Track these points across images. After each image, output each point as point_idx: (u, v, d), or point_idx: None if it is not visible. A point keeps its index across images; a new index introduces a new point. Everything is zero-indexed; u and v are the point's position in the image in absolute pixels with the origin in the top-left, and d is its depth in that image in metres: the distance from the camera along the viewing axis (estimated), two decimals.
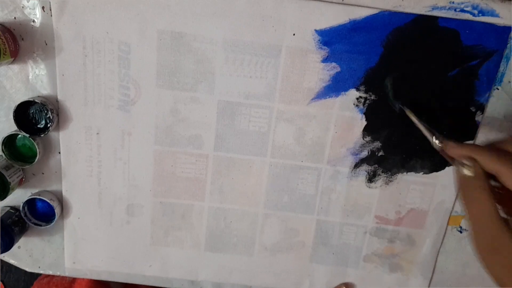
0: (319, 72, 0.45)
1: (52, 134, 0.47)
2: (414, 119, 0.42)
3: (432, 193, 0.50)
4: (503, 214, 0.34)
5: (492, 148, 0.35)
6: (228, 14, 0.43)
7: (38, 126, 0.46)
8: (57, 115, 0.46)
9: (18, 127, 0.45)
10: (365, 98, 0.46)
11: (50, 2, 0.43)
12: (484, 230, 0.34)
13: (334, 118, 0.47)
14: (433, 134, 0.39)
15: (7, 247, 0.48)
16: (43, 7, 0.43)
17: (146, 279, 0.55)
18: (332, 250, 0.53)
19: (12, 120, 0.44)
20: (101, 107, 0.46)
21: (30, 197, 0.48)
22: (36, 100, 0.44)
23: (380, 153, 0.48)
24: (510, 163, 0.33)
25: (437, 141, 0.38)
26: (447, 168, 0.49)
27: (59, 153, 0.48)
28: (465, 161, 0.35)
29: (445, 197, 0.50)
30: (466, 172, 0.35)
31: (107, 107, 0.46)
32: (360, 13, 0.43)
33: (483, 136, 0.47)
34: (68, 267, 0.54)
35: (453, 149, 0.37)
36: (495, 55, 0.44)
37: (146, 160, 0.49)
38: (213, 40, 0.44)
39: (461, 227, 0.51)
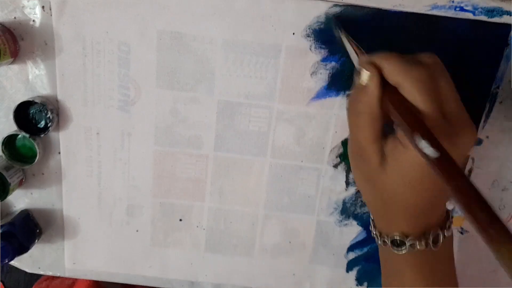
0: (319, 71, 0.45)
1: (52, 134, 0.47)
2: (346, 42, 0.39)
3: None
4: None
5: (404, 58, 0.33)
6: (228, 14, 0.43)
7: (38, 126, 0.46)
8: (57, 115, 0.46)
9: (18, 127, 0.45)
10: None
11: (50, 2, 0.43)
12: (360, 146, 0.35)
13: (334, 118, 0.47)
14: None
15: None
16: (43, 7, 0.43)
17: (146, 280, 0.55)
18: (332, 251, 0.52)
19: (12, 121, 0.44)
20: (101, 107, 0.46)
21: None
22: (36, 100, 0.44)
23: None
24: (414, 75, 0.31)
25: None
26: None
27: (59, 153, 0.48)
28: (367, 68, 0.33)
29: None
30: (364, 78, 0.33)
31: (107, 107, 0.46)
32: (360, 13, 0.43)
33: (483, 136, 0.47)
34: (68, 268, 0.54)
35: (362, 57, 0.35)
36: (495, 54, 0.44)
37: (146, 160, 0.49)
38: (213, 40, 0.44)
39: (462, 228, 0.51)
